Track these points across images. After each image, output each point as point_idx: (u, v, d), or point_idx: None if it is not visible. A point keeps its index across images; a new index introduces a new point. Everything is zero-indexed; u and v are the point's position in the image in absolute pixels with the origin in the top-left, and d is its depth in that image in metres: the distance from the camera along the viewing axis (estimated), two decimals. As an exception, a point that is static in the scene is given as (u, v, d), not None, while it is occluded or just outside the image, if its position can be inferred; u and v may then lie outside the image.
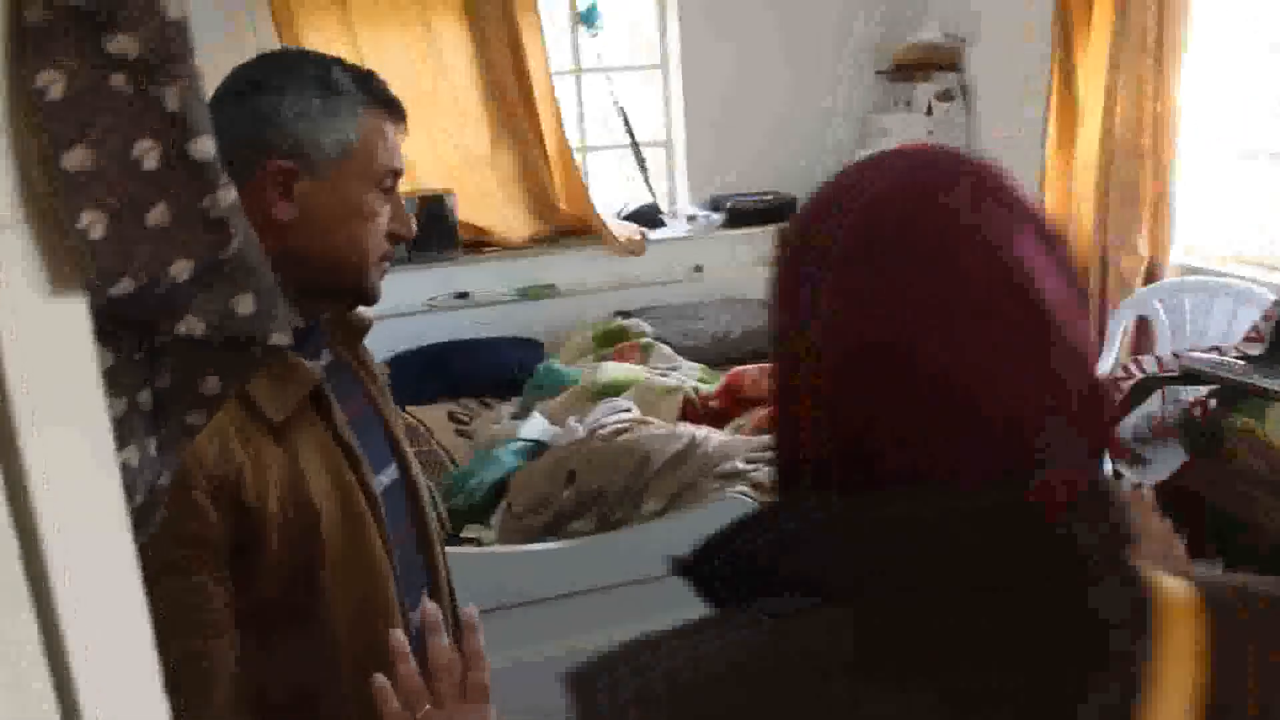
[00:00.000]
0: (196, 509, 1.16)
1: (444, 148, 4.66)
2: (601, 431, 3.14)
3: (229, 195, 0.67)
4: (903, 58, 4.98)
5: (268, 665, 1.25)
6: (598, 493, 2.92)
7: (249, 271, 0.73)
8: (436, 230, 4.51)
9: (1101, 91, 3.87)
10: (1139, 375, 2.15)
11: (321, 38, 4.29)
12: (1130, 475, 2.13)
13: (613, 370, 3.75)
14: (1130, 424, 2.11)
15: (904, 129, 4.87)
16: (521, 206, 4.80)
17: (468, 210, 4.65)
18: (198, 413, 0.77)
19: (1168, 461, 2.09)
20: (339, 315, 1.45)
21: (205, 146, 0.64)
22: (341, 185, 1.30)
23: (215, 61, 0.82)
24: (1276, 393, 2.03)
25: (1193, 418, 2.04)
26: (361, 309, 1.47)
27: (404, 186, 4.57)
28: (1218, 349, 2.26)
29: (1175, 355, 2.21)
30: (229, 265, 0.70)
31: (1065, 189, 4.17)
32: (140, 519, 0.71)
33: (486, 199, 4.73)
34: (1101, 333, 3.96)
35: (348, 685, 1.29)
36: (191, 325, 0.70)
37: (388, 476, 1.45)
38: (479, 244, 4.73)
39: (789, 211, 4.97)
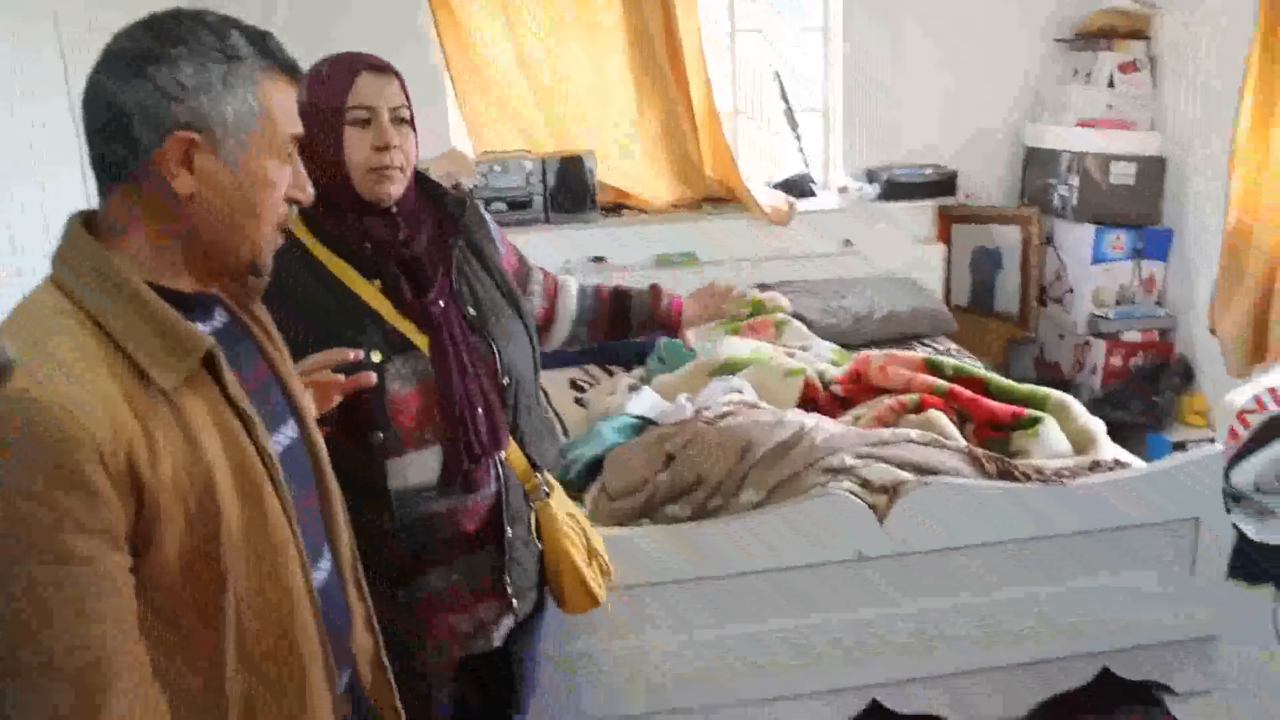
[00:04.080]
0: (95, 491, 1.08)
1: (586, 107, 4.54)
2: (706, 413, 2.97)
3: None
4: (1087, 25, 4.59)
5: (161, 652, 1.18)
6: (696, 479, 2.76)
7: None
8: (574, 191, 4.41)
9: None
10: (1273, 409, 1.80)
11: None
12: (1253, 532, 1.80)
13: (734, 346, 3.56)
14: (1253, 469, 1.77)
15: (1082, 102, 4.49)
16: (665, 170, 4.65)
17: (608, 172, 4.53)
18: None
19: None
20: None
21: None
22: (244, 156, 1.24)
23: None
24: None
25: None
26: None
27: (549, 145, 4.50)
28: None
29: None
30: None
31: (1258, 173, 3.76)
32: None
33: (629, 161, 4.60)
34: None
35: (245, 669, 1.25)
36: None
37: (285, 436, 1.39)
38: (618, 207, 4.61)
39: (948, 187, 4.67)
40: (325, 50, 1.88)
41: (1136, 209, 4.43)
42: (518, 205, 4.39)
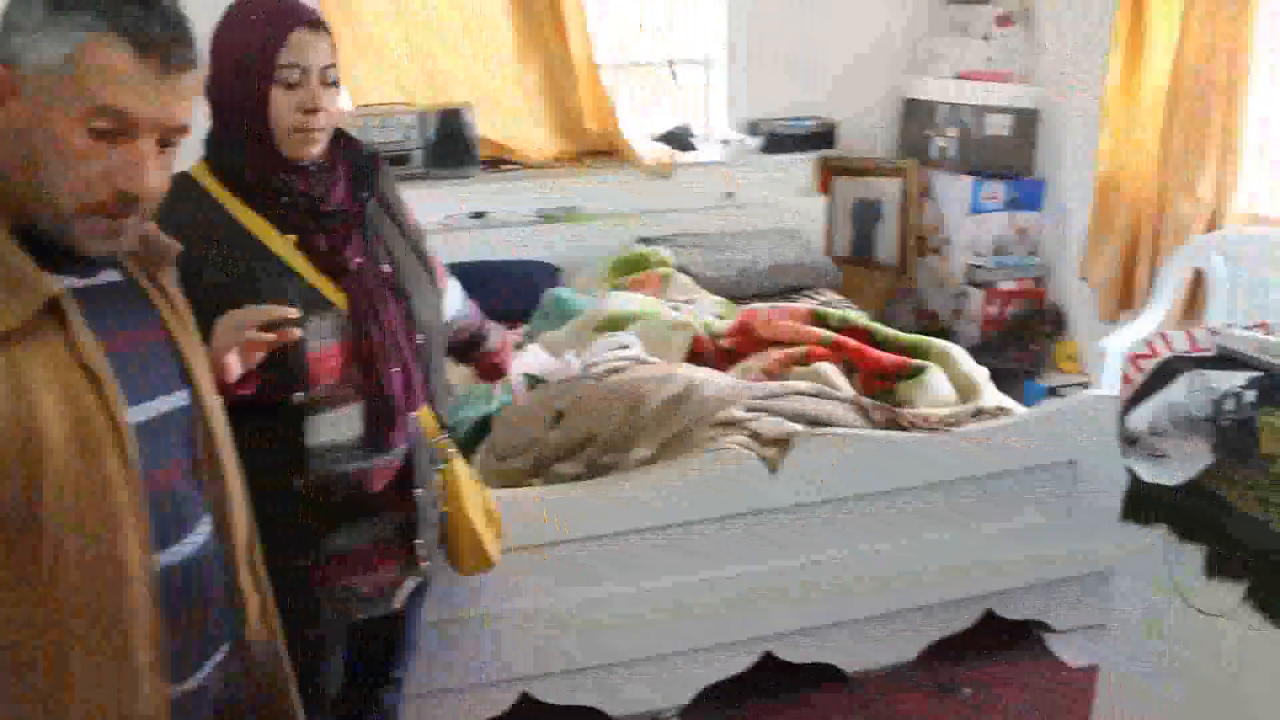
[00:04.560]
0: None
1: (464, 58, 4.42)
2: (595, 369, 2.93)
3: None
4: (964, -23, 4.64)
5: None
6: (586, 436, 2.73)
7: None
8: (454, 146, 4.29)
9: (1174, 20, 3.54)
10: (1164, 354, 1.84)
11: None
12: (1146, 475, 1.83)
13: (621, 301, 3.52)
14: (1148, 412, 1.80)
15: (960, 55, 4.55)
16: (546, 123, 4.56)
17: (488, 125, 4.42)
18: None
19: (1190, 461, 1.78)
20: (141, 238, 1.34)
21: None
22: (39, 101, 1.19)
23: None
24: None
25: (1223, 413, 1.73)
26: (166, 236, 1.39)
27: (425, 97, 4.37)
28: (1264, 326, 1.92)
29: (1212, 332, 1.88)
30: None
31: (1126, 125, 3.86)
32: None
33: (509, 114, 4.50)
34: (1152, 284, 3.68)
35: (71, 643, 1.20)
36: None
37: (168, 403, 1.34)
38: (499, 162, 4.51)
39: (829, 139, 4.69)
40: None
41: (1012, 160, 4.51)
42: (396, 161, 4.25)
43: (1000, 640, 2.97)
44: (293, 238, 1.78)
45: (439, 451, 2.00)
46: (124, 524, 1.22)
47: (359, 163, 1.90)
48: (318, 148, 1.78)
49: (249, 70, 1.71)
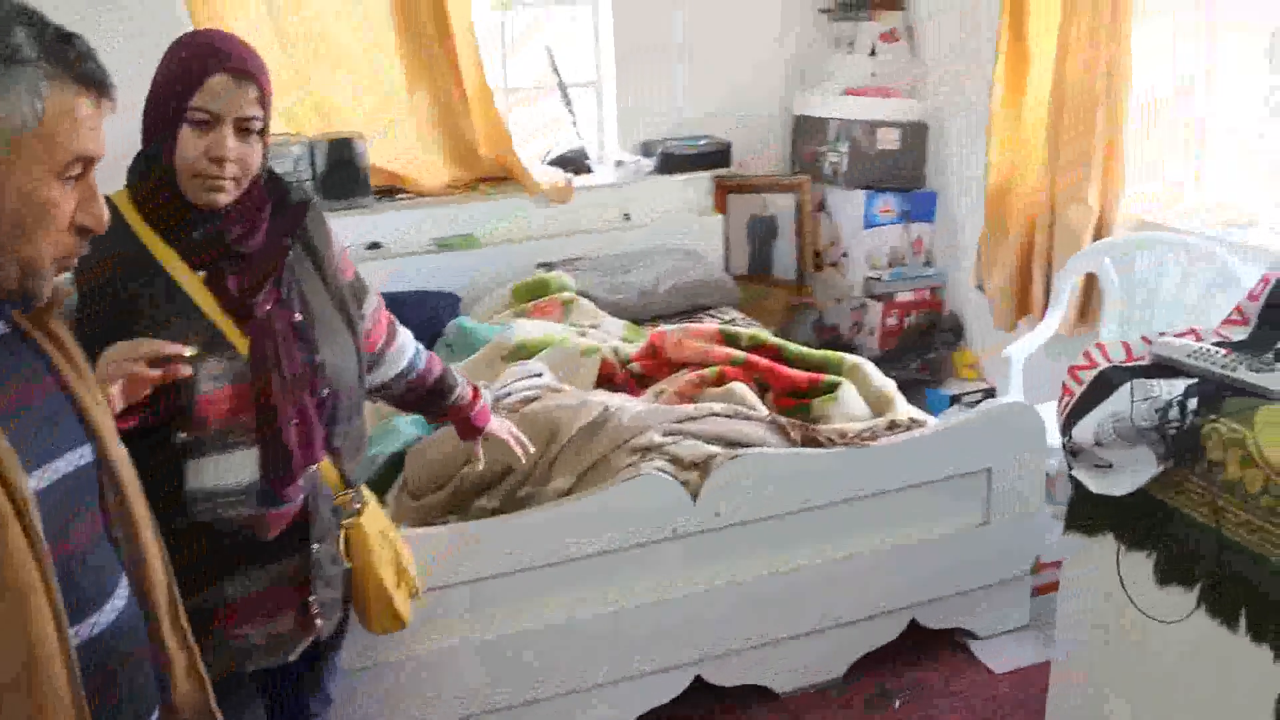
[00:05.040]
0: None
1: (354, 87, 4.33)
2: (507, 400, 2.87)
3: None
4: (846, -6, 4.71)
5: None
6: (504, 469, 2.68)
7: None
8: (346, 176, 4.20)
9: (1054, 34, 3.64)
10: (1103, 365, 1.86)
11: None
12: (1094, 487, 1.85)
13: (527, 329, 3.47)
14: (1091, 424, 1.81)
15: (847, 71, 4.61)
16: (439, 151, 4.48)
17: (380, 155, 4.33)
18: None
19: (1137, 470, 1.81)
20: None
21: None
22: (12, 171, 1.13)
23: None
24: (1266, 391, 1.75)
25: (1168, 422, 1.75)
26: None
27: (315, 127, 4.26)
28: (1195, 332, 1.94)
29: (1146, 340, 1.91)
30: None
31: (1013, 136, 3.94)
32: None
33: (401, 143, 4.42)
34: (1047, 292, 3.76)
35: None
36: None
37: (71, 462, 1.25)
38: (392, 191, 4.42)
39: (723, 158, 4.71)
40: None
41: (903, 174, 4.58)
42: (284, 192, 4.15)
43: (926, 650, 2.99)
44: (202, 275, 1.71)
45: (344, 506, 1.92)
46: (30, 599, 1.13)
47: (290, 206, 1.83)
48: (224, 197, 1.71)
49: (164, 106, 1.67)
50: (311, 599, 1.86)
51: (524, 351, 3.34)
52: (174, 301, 1.68)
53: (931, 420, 3.00)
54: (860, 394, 3.07)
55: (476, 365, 3.36)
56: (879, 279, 4.57)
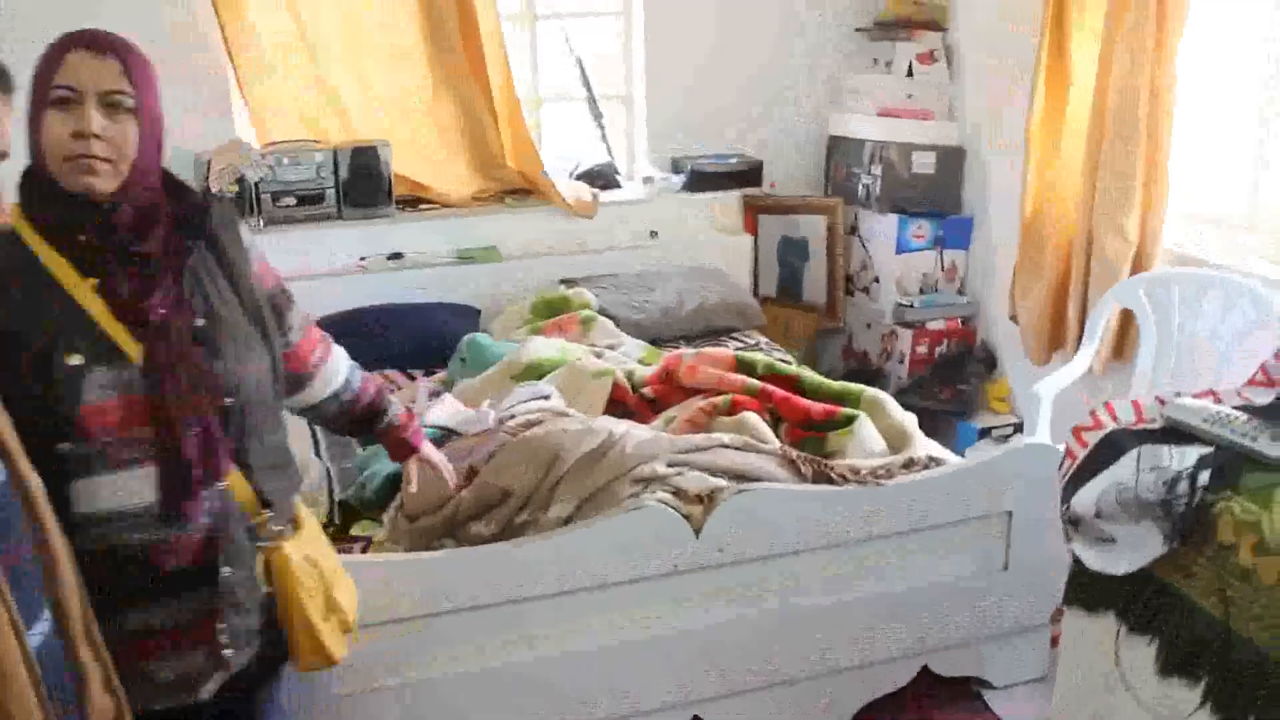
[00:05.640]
0: None
1: (379, 94, 4.28)
2: (511, 422, 2.79)
3: None
4: (886, 14, 4.60)
5: None
6: (502, 493, 2.59)
7: None
8: (368, 184, 4.15)
9: (1095, 58, 3.51)
10: (1110, 426, 1.70)
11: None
12: (1092, 563, 1.68)
13: (539, 348, 3.39)
14: (1094, 493, 1.64)
15: (883, 92, 4.49)
16: (464, 161, 4.43)
17: (404, 164, 4.28)
18: None
19: (1140, 549, 1.63)
20: None
21: None
22: None
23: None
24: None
25: (1176, 496, 1.59)
26: None
27: (336, 135, 4.23)
28: (1214, 394, 1.77)
29: (1159, 401, 1.74)
30: None
31: (1050, 163, 3.81)
32: None
33: (425, 152, 4.37)
34: (1081, 325, 3.62)
35: None
36: None
37: None
38: (416, 201, 4.37)
39: (754, 177, 4.61)
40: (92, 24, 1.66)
41: (937, 198, 4.46)
42: (308, 200, 4.10)
43: (938, 699, 2.86)
44: (93, 281, 1.63)
45: (259, 528, 1.77)
46: None
47: (189, 206, 1.75)
48: (101, 181, 1.62)
49: (32, 94, 1.61)
50: (220, 625, 1.72)
51: (536, 371, 3.26)
52: (60, 308, 1.61)
53: (951, 458, 2.88)
54: (878, 428, 2.96)
55: (487, 382, 3.29)
56: (910, 305, 4.45)
